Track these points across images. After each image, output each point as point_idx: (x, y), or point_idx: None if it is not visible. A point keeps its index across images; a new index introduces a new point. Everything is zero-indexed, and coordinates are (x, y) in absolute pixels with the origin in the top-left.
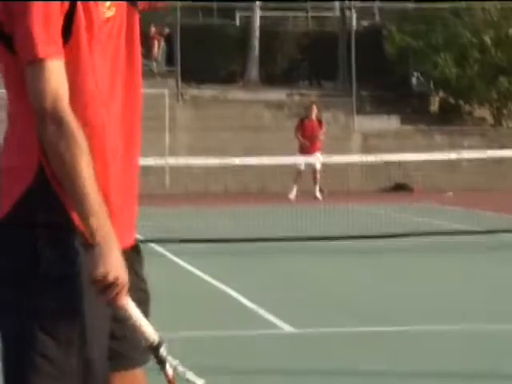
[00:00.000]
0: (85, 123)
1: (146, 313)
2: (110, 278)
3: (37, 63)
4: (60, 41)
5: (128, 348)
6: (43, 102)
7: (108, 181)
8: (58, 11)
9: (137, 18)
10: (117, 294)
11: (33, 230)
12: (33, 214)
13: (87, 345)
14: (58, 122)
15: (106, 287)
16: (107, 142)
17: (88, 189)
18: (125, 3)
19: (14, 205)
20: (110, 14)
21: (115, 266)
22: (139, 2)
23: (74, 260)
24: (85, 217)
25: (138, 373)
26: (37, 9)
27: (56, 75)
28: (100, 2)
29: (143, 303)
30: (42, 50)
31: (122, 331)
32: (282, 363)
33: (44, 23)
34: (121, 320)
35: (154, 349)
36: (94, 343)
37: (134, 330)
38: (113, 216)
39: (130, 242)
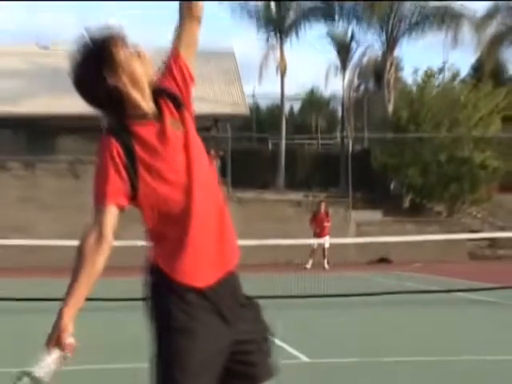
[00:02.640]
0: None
1: (261, 349)
2: (60, 340)
3: (93, 208)
4: (117, 191)
5: (257, 369)
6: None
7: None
8: (113, 171)
9: (189, 118)
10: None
11: (159, 290)
12: (155, 278)
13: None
14: (79, 249)
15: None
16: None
17: (79, 288)
18: (185, 115)
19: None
20: (178, 127)
21: (60, 333)
22: (185, 102)
23: (189, 313)
24: (67, 298)
25: None
26: (97, 169)
27: (100, 220)
28: (168, 123)
29: (257, 342)
30: (95, 200)
31: (249, 359)
32: None
33: (102, 180)
34: (245, 352)
35: (28, 374)
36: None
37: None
38: (198, 257)
39: (214, 279)
